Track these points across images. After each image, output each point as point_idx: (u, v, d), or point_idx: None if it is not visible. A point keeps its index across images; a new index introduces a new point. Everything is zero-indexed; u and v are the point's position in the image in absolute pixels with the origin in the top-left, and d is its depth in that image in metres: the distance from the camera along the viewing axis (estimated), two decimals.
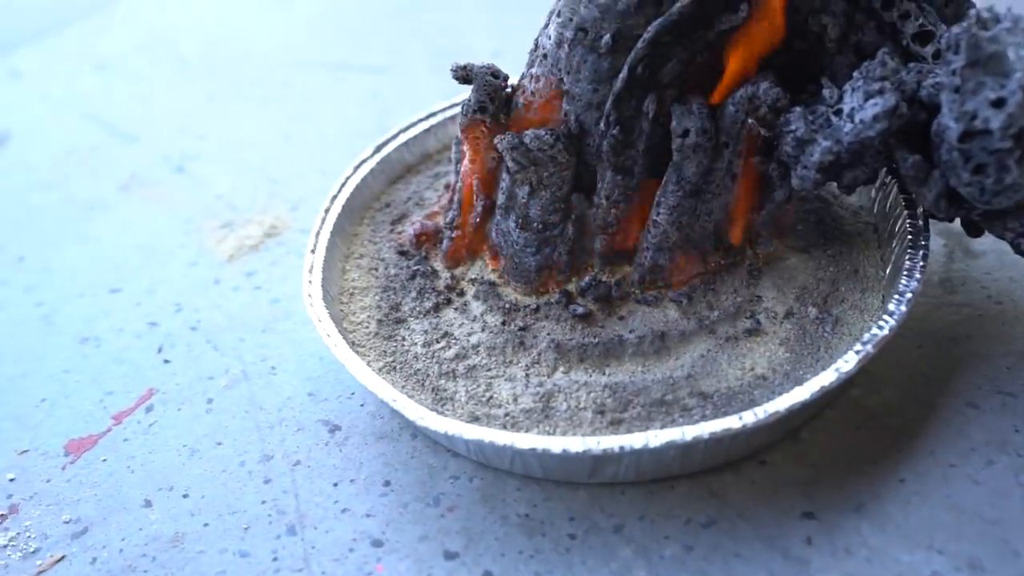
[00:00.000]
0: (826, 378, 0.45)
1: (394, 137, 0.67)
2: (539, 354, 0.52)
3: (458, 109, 0.57)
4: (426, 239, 0.60)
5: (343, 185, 0.63)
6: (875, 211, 0.58)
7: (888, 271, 0.54)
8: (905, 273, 0.50)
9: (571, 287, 0.55)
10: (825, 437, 0.50)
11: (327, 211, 0.61)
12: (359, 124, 0.84)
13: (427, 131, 0.68)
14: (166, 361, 0.61)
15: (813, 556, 0.45)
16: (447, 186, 0.63)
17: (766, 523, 0.46)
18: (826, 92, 0.51)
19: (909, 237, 0.52)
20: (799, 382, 0.47)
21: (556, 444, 0.44)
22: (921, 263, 0.50)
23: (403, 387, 0.51)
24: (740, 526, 0.46)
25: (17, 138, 0.88)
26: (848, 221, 0.58)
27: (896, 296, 0.48)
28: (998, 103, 0.43)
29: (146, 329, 0.64)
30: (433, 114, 0.69)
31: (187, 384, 0.59)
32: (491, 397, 0.50)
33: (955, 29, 0.46)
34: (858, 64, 0.51)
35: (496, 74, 0.54)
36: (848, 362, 0.46)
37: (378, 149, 0.66)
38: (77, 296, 0.67)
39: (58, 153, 0.85)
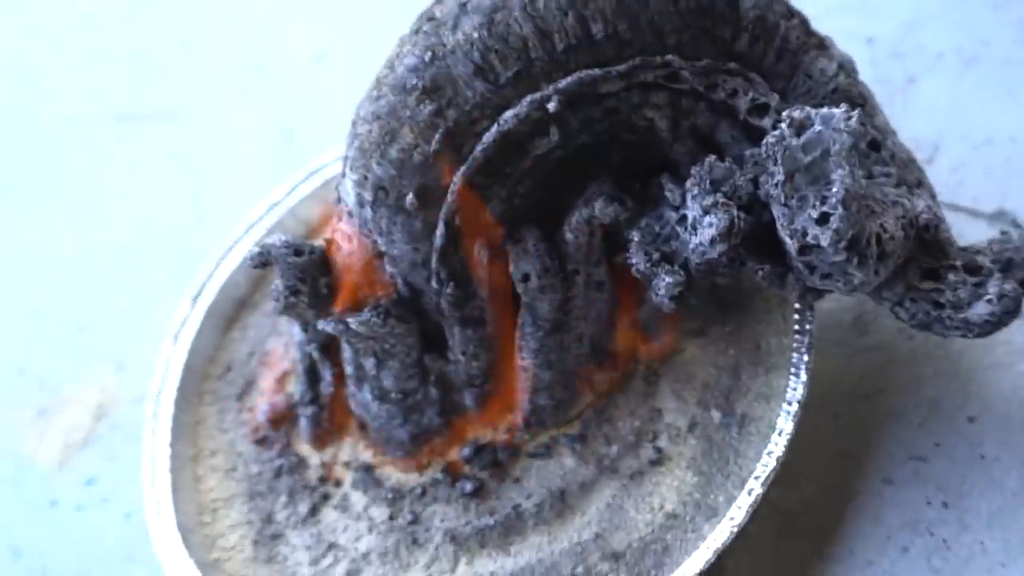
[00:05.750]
0: (722, 534, 0.70)
1: (207, 280, 0.88)
2: (436, 549, 0.74)
3: (284, 204, 0.86)
4: (283, 420, 0.83)
5: (168, 359, 0.86)
6: None
7: (790, 338, 0.76)
8: (792, 372, 0.74)
9: (454, 455, 0.78)
10: (748, 559, 0.73)
11: (159, 397, 0.84)
12: (168, 204, 1.03)
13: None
14: None
15: None
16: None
17: None
18: (668, 194, 0.71)
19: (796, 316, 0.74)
20: (712, 512, 0.71)
21: None
22: (804, 356, 0.74)
23: None
24: None
25: None
26: (745, 278, 0.79)
27: (786, 406, 0.73)
28: (822, 219, 0.66)
29: None
30: (250, 228, 0.91)
31: None
32: None
33: (769, 138, 0.68)
34: (699, 149, 0.71)
35: (299, 250, 0.73)
36: (744, 507, 0.70)
37: (193, 301, 0.88)
38: None
39: None
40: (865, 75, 0.73)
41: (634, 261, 0.70)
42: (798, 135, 0.64)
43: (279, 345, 0.85)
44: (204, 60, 1.11)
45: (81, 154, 1.06)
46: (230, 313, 0.89)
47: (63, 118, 1.10)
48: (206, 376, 0.86)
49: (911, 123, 0.81)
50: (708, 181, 0.67)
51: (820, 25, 0.72)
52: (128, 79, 1.12)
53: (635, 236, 0.70)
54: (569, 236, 0.72)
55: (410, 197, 0.70)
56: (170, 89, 1.10)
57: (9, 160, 1.08)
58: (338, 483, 0.79)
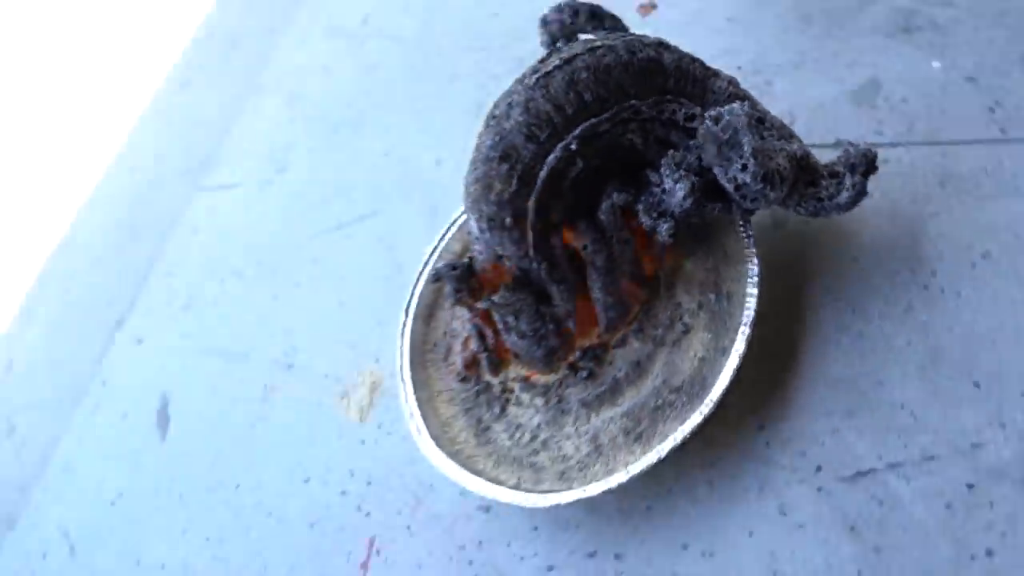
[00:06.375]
0: (733, 361, 0.65)
1: (411, 298, 0.86)
2: (575, 413, 0.71)
3: (440, 245, 0.85)
4: (473, 364, 0.79)
5: (400, 347, 0.83)
6: None
7: (742, 242, 0.72)
8: (749, 261, 0.69)
9: (572, 358, 0.74)
10: (753, 371, 0.69)
11: (400, 370, 0.82)
12: (381, 263, 1.01)
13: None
14: (367, 515, 0.82)
15: (774, 453, 0.66)
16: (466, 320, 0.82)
17: (738, 444, 0.68)
18: (652, 178, 0.69)
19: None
20: (724, 351, 0.67)
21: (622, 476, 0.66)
22: (753, 249, 0.70)
23: (511, 472, 0.72)
24: (726, 454, 0.68)
25: (176, 404, 1.04)
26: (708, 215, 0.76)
27: (749, 280, 0.68)
28: (743, 168, 0.62)
29: (341, 499, 0.83)
30: (426, 263, 0.88)
31: (389, 523, 0.80)
32: (564, 455, 0.70)
33: (700, 129, 0.64)
34: (662, 149, 0.69)
35: (455, 267, 0.71)
36: (741, 342, 0.66)
37: (406, 312, 0.85)
38: (285, 491, 0.88)
39: (211, 405, 1.00)
40: (743, 86, 0.71)
41: (643, 220, 0.68)
42: (717, 124, 0.62)
43: (458, 323, 0.82)
44: (375, 179, 1.11)
45: (332, 250, 1.07)
46: (427, 313, 0.86)
47: (316, 232, 1.10)
48: (423, 352, 0.83)
49: (776, 106, 0.78)
50: (673, 164, 0.65)
51: (711, 63, 0.70)
52: (340, 202, 1.12)
53: (640, 207, 0.68)
54: (602, 217, 0.70)
55: (508, 220, 0.68)
56: (363, 201, 1.09)
57: (292, 263, 1.09)
58: (512, 391, 0.76)
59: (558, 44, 0.74)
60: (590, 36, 0.72)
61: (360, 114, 1.23)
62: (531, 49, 0.76)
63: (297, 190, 1.18)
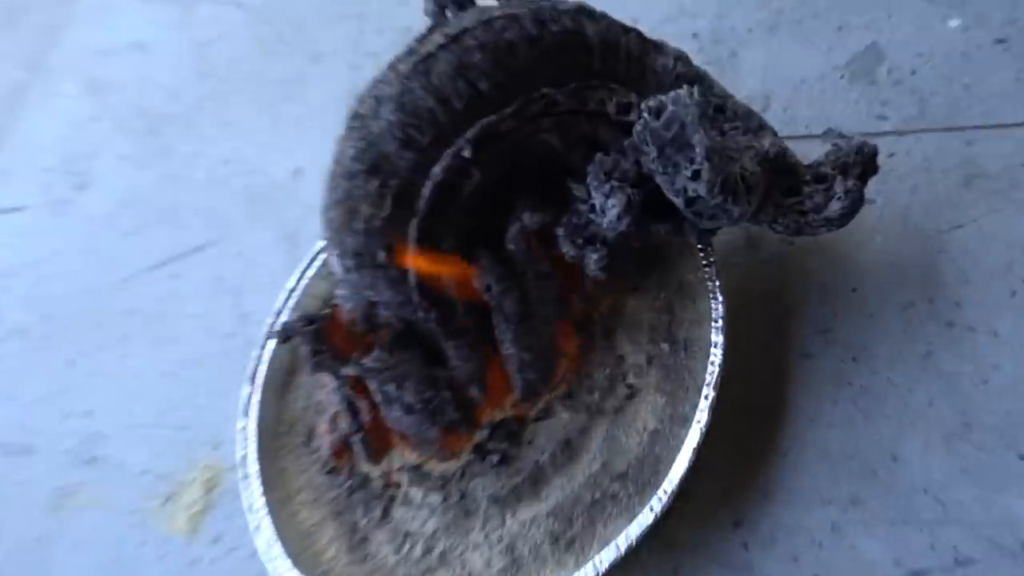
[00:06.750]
0: (695, 435, 0.65)
1: (259, 362, 0.85)
2: (484, 513, 0.70)
3: (299, 288, 0.84)
4: (343, 450, 0.78)
5: (244, 429, 0.81)
6: None
7: (703, 271, 0.73)
8: (711, 296, 0.70)
9: (478, 438, 0.73)
10: (719, 447, 0.69)
11: (246, 461, 0.80)
12: (219, 314, 0.99)
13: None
14: None
15: (756, 559, 0.66)
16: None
17: (707, 547, 0.68)
18: (577, 192, 0.68)
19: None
20: (684, 420, 0.68)
21: None
22: (717, 281, 0.70)
23: None
24: (691, 561, 0.68)
25: None
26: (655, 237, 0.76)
27: (713, 323, 0.69)
28: (695, 175, 0.62)
29: None
30: (279, 312, 0.87)
31: None
32: (470, 572, 0.69)
33: (637, 127, 0.64)
34: (590, 151, 0.67)
35: (311, 320, 0.71)
36: (705, 409, 0.66)
37: (252, 381, 0.84)
38: None
39: None
40: (698, 61, 0.71)
41: (564, 250, 0.67)
42: (658, 118, 0.61)
43: (324, 395, 0.80)
44: (212, 196, 1.09)
45: (153, 297, 1.04)
46: (281, 381, 0.84)
47: (129, 272, 1.07)
48: (276, 434, 0.82)
49: (744, 85, 0.79)
50: (601, 173, 0.64)
51: (655, 34, 0.69)
52: (163, 230, 1.09)
53: (560, 231, 0.67)
54: (511, 247, 0.69)
55: (381, 254, 0.67)
56: (196, 228, 1.07)
57: (96, 316, 1.05)
58: (398, 485, 0.74)
59: (446, 12, 0.73)
60: (489, 2, 0.72)
61: (190, 108, 1.22)
62: (420, 17, 0.76)
63: (103, 214, 1.16)
